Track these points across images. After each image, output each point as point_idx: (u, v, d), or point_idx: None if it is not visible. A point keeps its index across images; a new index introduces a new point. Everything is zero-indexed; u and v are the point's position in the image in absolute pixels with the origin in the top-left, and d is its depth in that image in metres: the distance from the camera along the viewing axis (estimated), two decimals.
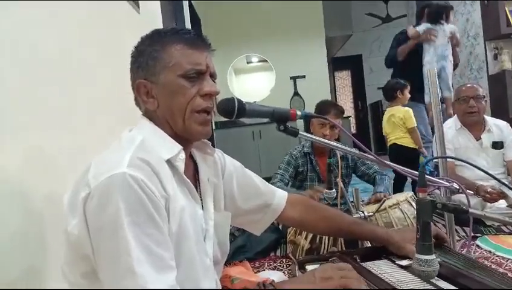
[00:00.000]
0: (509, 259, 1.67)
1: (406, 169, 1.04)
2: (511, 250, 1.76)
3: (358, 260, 1.11)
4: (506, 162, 2.42)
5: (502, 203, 2.13)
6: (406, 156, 3.08)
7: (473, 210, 0.89)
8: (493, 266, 1.61)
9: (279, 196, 1.12)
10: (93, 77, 1.40)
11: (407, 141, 3.15)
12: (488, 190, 2.09)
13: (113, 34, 1.63)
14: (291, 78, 5.83)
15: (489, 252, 1.78)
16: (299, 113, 0.93)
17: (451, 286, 0.88)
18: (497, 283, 0.83)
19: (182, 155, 0.84)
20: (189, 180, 0.85)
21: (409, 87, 3.24)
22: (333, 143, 0.98)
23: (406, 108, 3.19)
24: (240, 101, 0.87)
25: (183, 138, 0.87)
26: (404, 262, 1.03)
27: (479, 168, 0.95)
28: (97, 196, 0.68)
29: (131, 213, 0.66)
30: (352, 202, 1.62)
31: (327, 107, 2.16)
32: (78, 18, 1.33)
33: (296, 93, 5.80)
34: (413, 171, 1.03)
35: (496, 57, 4.13)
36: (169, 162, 0.81)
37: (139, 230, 0.67)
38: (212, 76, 0.88)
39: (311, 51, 5.81)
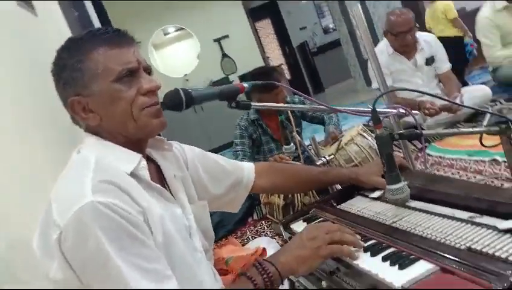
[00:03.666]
0: (457, 158, 1.84)
1: (355, 109, 1.08)
2: (457, 150, 1.94)
3: (334, 204, 1.16)
4: (439, 74, 2.58)
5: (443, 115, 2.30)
6: (451, 46, 2.96)
7: (426, 131, 0.95)
8: (446, 169, 1.78)
9: (248, 170, 1.12)
10: None
11: (450, 32, 3.42)
12: (427, 106, 2.23)
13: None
14: (215, 40, 5.69)
15: (440, 157, 1.94)
16: (246, 85, 0.91)
17: (423, 203, 0.95)
18: (458, 189, 0.92)
19: (143, 163, 0.80)
20: (157, 184, 0.82)
21: None
22: (287, 105, 0.99)
23: (447, 1, 3.42)
24: (185, 90, 0.83)
25: (138, 140, 0.83)
26: (376, 194, 1.09)
27: (419, 92, 1.01)
28: (71, 233, 0.63)
29: (114, 240, 0.64)
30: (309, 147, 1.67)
31: (268, 74, 2.12)
32: None
33: (224, 55, 5.70)
34: (363, 109, 1.07)
35: None
36: (132, 173, 0.77)
37: (127, 253, 0.64)
38: (147, 70, 0.83)
39: (227, 8, 5.67)
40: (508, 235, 0.68)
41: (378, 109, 1.06)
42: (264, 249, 1.11)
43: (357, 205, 1.08)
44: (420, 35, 2.57)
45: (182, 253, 0.78)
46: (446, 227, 0.79)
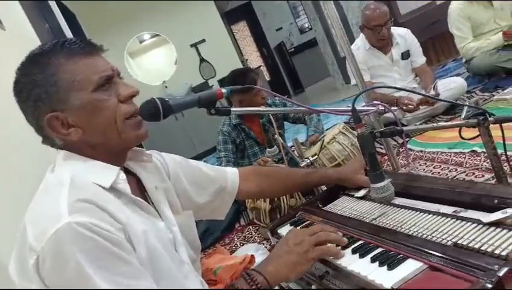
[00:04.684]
0: (438, 152, 1.86)
1: (336, 109, 1.08)
2: (438, 143, 1.96)
3: (320, 206, 1.16)
4: (415, 68, 2.62)
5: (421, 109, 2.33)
6: None
7: (406, 127, 0.96)
8: (428, 162, 1.80)
9: (231, 175, 1.11)
10: None
11: None
12: (405, 102, 2.26)
13: None
14: (191, 45, 5.65)
15: (421, 151, 1.96)
16: (224, 90, 0.90)
17: (408, 199, 0.95)
18: (441, 186, 0.92)
19: (122, 175, 0.78)
20: (138, 198, 0.80)
21: None
22: (266, 109, 0.98)
23: None
24: (162, 100, 0.81)
25: (119, 151, 0.81)
26: (361, 193, 1.09)
27: (396, 88, 1.01)
28: (49, 257, 0.60)
29: (94, 260, 0.61)
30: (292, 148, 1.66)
31: (245, 75, 2.10)
32: None
33: (202, 60, 5.66)
34: (344, 109, 1.07)
35: None
36: (111, 187, 0.74)
37: (109, 273, 0.62)
38: (119, 75, 0.81)
39: (202, 12, 5.63)
40: (492, 228, 0.68)
41: (357, 108, 1.07)
42: (252, 257, 1.09)
43: (343, 206, 1.08)
44: (395, 30, 2.61)
45: (168, 267, 0.76)
46: (432, 223, 0.79)
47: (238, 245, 1.79)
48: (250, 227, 1.96)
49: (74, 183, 0.70)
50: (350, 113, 0.95)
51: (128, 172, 0.86)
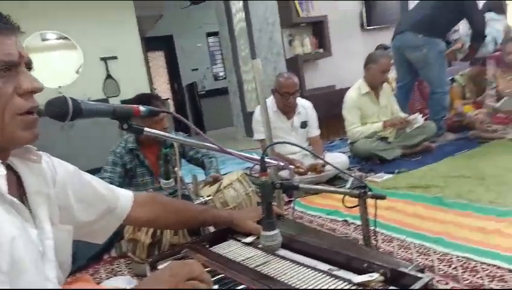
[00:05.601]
0: (316, 215, 2.04)
1: (245, 155, 1.12)
2: (317, 208, 2.15)
3: (207, 246, 1.15)
4: (309, 138, 2.91)
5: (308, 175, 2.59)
6: None
7: (303, 185, 1.04)
8: (307, 223, 1.94)
9: (124, 198, 1.04)
10: None
11: None
12: (297, 165, 2.52)
13: None
14: (101, 59, 5.36)
15: (302, 212, 2.12)
16: (143, 109, 0.87)
17: (290, 252, 1.02)
18: (323, 241, 1.01)
19: (1, 170, 0.68)
20: (14, 199, 0.70)
21: None
22: (183, 139, 0.99)
23: None
24: (74, 100, 0.75)
25: (1, 147, 0.71)
26: (249, 239, 1.13)
27: (301, 147, 1.12)
28: None
29: None
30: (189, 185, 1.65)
31: (151, 101, 2.05)
32: None
33: (109, 76, 5.38)
34: (252, 156, 1.13)
35: (290, 42, 4.82)
36: None
37: None
38: (28, 65, 0.73)
39: (121, 29, 5.46)
40: (360, 288, 0.77)
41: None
42: None
43: (229, 249, 1.09)
44: (300, 100, 2.89)
45: (29, 283, 0.66)
46: (308, 277, 0.85)
47: (104, 277, 1.63)
48: (122, 260, 1.82)
49: None
50: (257, 161, 1.00)
51: (9, 169, 0.76)
